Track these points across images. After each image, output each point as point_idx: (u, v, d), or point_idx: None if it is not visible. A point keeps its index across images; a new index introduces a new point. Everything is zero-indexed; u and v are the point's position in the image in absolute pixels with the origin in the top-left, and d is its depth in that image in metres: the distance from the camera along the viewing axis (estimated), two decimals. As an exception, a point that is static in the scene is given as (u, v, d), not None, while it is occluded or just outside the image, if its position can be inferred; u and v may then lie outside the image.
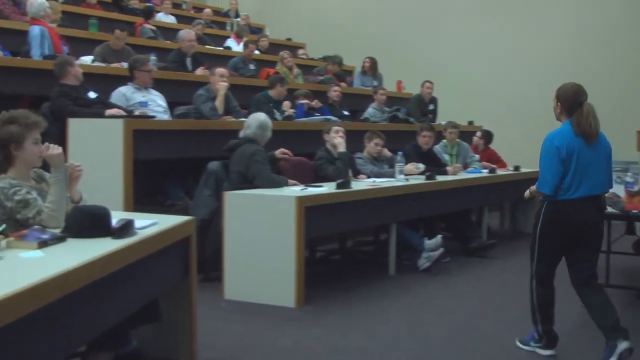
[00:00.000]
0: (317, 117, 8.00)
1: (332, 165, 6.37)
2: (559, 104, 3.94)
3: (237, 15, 14.18)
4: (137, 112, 6.21)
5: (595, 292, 3.97)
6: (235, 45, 11.46)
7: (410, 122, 9.24)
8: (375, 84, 10.93)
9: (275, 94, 8.00)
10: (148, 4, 11.62)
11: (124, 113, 6.02)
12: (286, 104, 7.94)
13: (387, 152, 7.21)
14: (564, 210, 3.87)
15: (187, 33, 8.66)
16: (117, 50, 7.97)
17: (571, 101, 3.89)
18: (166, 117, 6.67)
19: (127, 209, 5.31)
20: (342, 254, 7.24)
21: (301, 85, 9.75)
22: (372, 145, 7.09)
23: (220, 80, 7.05)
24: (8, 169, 3.29)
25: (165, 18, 12.02)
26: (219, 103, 6.95)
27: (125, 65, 7.19)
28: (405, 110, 9.88)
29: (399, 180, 6.48)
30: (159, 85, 7.04)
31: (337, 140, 6.49)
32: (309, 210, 5.13)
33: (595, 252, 4.02)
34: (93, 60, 7.57)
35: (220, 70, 7.19)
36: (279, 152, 6.31)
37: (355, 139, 6.75)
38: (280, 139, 6.37)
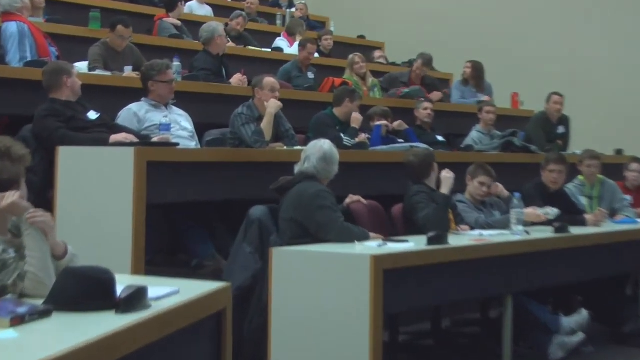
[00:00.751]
0: (400, 145, 7.97)
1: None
2: None
3: (291, 5, 14.38)
4: (154, 138, 6.27)
5: None
6: (287, 47, 11.62)
7: (532, 152, 9.13)
8: (481, 98, 10.89)
9: (342, 112, 8.05)
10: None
11: (135, 139, 6.07)
12: (355, 118, 8.01)
13: (503, 191, 7.14)
14: None
15: (212, 26, 8.74)
16: (119, 52, 8.11)
17: None
18: (193, 144, 6.73)
19: (137, 271, 5.32)
20: (436, 338, 7.15)
21: (378, 100, 9.77)
22: (476, 185, 7.01)
23: (270, 96, 7.13)
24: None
25: (199, 9, 12.31)
26: (266, 126, 7.02)
27: (128, 70, 7.28)
28: (524, 135, 9.82)
29: (516, 234, 6.37)
30: (184, 100, 7.10)
31: (444, 174, 6.52)
32: (390, 275, 5.07)
33: None
34: (92, 67, 7.71)
35: (269, 81, 7.24)
36: (349, 201, 6.33)
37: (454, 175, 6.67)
38: (349, 175, 6.38)
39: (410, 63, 12.09)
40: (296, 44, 11.00)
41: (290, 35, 11.94)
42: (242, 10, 12.23)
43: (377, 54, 13.05)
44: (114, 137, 6.04)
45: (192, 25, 10.82)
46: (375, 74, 11.06)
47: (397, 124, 8.62)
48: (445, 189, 6.43)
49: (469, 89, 11.31)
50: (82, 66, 7.61)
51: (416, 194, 6.47)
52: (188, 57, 8.77)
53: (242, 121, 7.01)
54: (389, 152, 7.64)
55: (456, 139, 9.92)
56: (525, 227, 6.52)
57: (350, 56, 10.55)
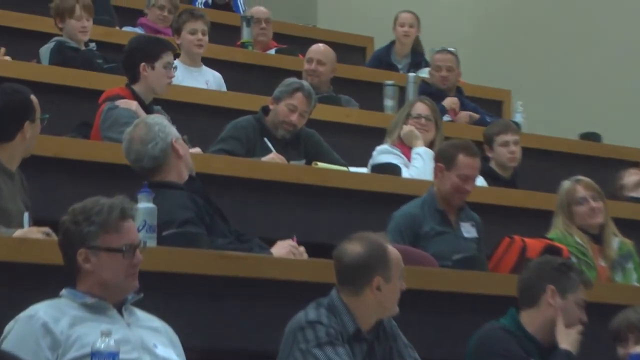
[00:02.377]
0: None
1: None
2: None
3: (417, 63, 12.93)
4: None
5: None
6: (404, 164, 10.14)
7: None
8: None
9: (541, 321, 6.85)
10: (137, 33, 10.64)
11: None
12: (571, 336, 6.97)
13: None
14: None
15: (157, 125, 7.80)
16: (14, 176, 7.43)
17: None
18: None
19: None
20: None
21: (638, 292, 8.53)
22: None
23: (394, 294, 6.36)
24: None
25: (191, 77, 10.85)
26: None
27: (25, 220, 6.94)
28: None
29: None
30: (166, 295, 6.34)
31: None
32: None
33: None
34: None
35: (394, 256, 6.37)
36: None
37: None
38: None
39: None
40: (425, 154, 9.52)
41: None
42: (299, 77, 10.63)
43: (632, 176, 11.23)
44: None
45: (182, 110, 9.43)
46: (629, 226, 9.18)
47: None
48: None
49: None
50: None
51: None
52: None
53: (315, 340, 6.04)
54: None
55: None
56: None
57: (566, 184, 8.73)
